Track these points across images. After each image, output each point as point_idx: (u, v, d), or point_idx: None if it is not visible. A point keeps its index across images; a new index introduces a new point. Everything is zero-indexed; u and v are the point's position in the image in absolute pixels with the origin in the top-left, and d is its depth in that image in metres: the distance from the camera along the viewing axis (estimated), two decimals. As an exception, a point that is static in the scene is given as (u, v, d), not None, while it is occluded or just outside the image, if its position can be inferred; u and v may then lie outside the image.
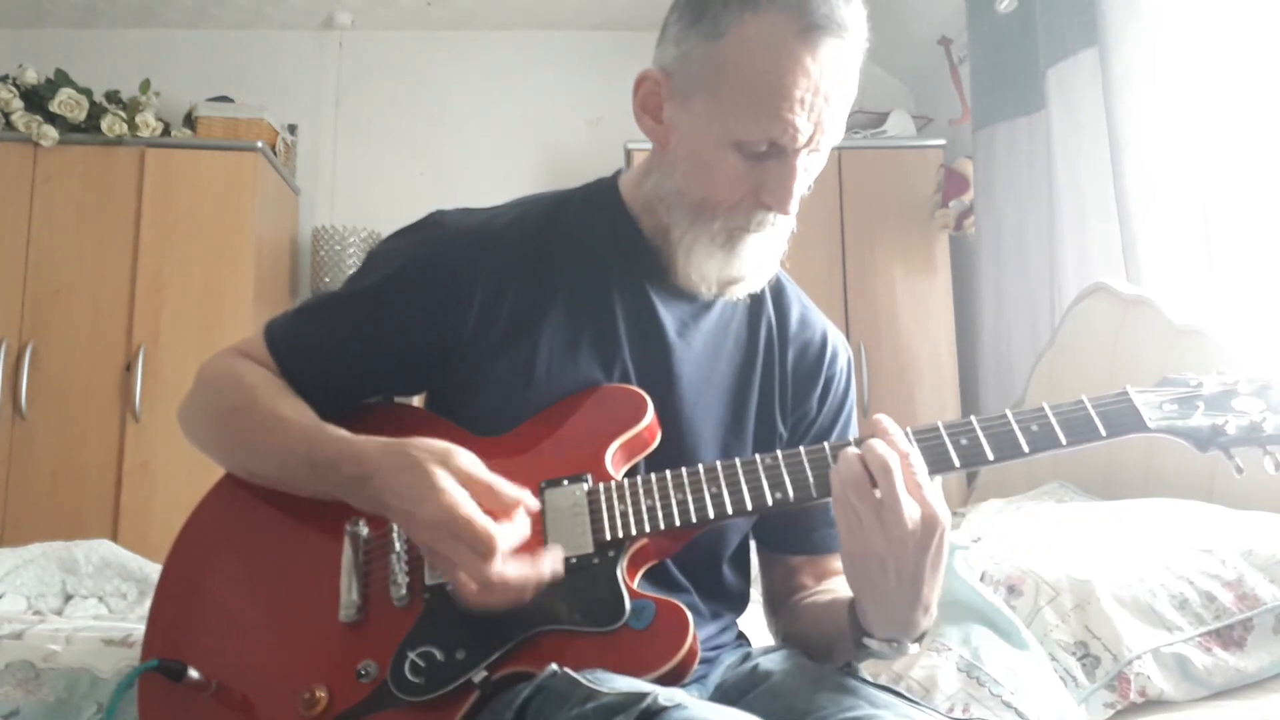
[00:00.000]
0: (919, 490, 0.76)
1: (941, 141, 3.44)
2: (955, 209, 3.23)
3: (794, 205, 0.89)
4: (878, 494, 0.76)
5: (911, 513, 0.75)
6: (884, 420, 0.80)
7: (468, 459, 0.81)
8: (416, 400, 1.05)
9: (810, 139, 0.86)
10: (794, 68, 0.83)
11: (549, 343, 0.93)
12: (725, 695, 0.89)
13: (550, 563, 0.79)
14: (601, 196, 1.01)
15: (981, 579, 1.30)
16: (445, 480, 0.78)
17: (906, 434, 0.82)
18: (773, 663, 0.91)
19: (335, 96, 3.83)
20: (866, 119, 3.46)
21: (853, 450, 0.79)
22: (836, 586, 1.01)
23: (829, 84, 0.85)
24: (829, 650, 0.92)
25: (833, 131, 0.88)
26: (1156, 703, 1.17)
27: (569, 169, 3.76)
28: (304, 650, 0.84)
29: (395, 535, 0.86)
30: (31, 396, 3.07)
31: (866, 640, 0.83)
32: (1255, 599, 1.23)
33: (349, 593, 0.85)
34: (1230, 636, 1.20)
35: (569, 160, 3.81)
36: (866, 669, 0.95)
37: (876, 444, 0.78)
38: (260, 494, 0.93)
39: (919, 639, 0.83)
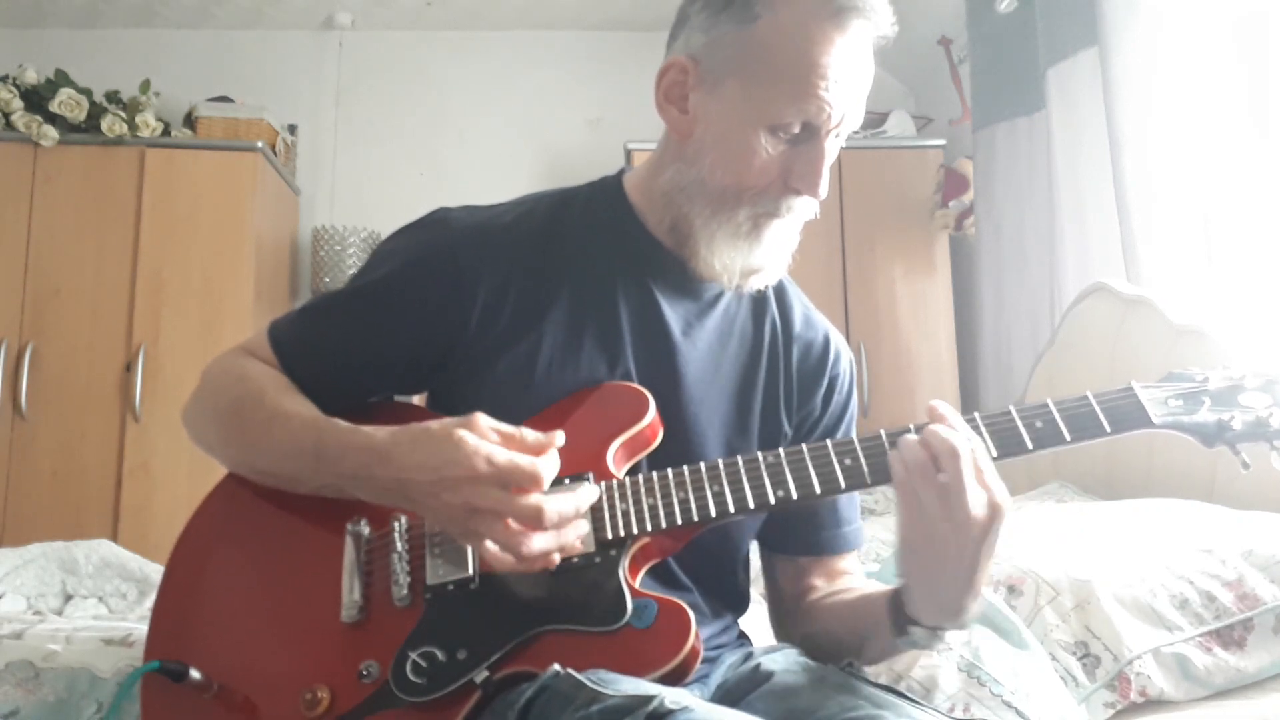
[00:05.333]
0: (982, 476, 0.76)
1: (941, 141, 3.44)
2: (955, 209, 3.23)
3: (824, 188, 0.90)
4: (942, 479, 0.76)
5: (977, 498, 0.75)
6: (942, 406, 0.80)
7: (487, 418, 0.79)
8: (418, 400, 1.05)
9: (844, 122, 0.89)
10: (827, 47, 0.85)
11: (551, 340, 0.93)
12: (727, 695, 0.89)
13: (586, 495, 0.80)
14: (606, 194, 1.01)
15: (982, 579, 1.29)
16: (471, 438, 0.76)
17: (974, 419, 0.82)
18: (774, 662, 0.91)
19: (335, 96, 3.83)
20: (866, 119, 3.42)
21: (913, 436, 0.79)
22: (852, 584, 1.01)
23: (856, 64, 0.88)
24: (861, 646, 0.92)
25: (855, 115, 0.90)
26: (1157, 703, 1.17)
27: (569, 169, 3.76)
28: (306, 651, 0.84)
29: (397, 535, 0.86)
30: (31, 396, 3.07)
31: (912, 629, 0.83)
32: (1255, 599, 1.23)
33: (350, 593, 0.84)
34: (1230, 636, 1.20)
35: (569, 160, 3.81)
36: (868, 669, 0.95)
37: (941, 429, 0.77)
38: (261, 495, 0.93)
39: (962, 626, 0.83)
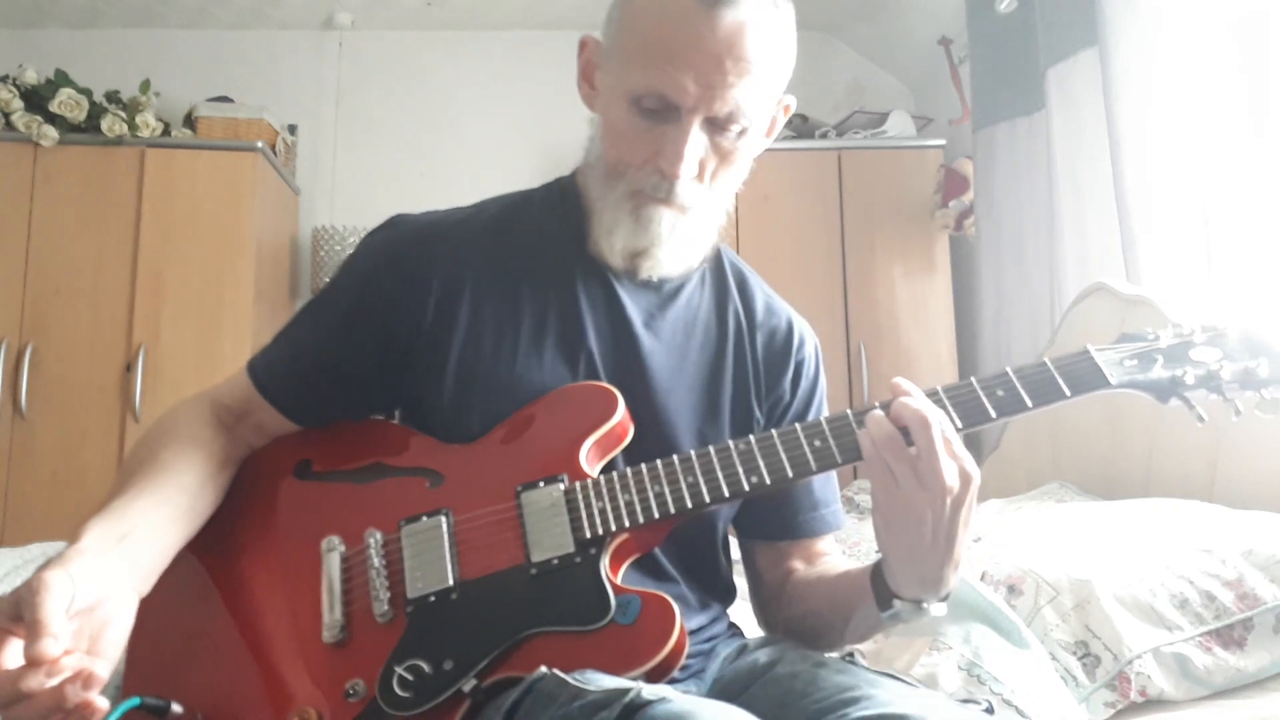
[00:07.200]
0: (950, 446, 0.77)
1: (941, 141, 3.44)
2: (955, 209, 3.23)
3: (685, 169, 0.87)
4: (913, 450, 0.76)
5: (949, 467, 0.76)
6: (904, 383, 0.81)
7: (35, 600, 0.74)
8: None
9: (707, 105, 0.85)
10: (681, 23, 0.84)
11: (513, 341, 0.93)
12: (724, 691, 0.88)
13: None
14: (561, 192, 1.03)
15: (982, 579, 1.30)
16: None
17: (937, 392, 0.82)
18: (770, 654, 0.90)
19: (335, 96, 3.83)
20: (866, 119, 3.45)
21: (879, 412, 0.79)
22: (833, 565, 1.01)
23: (728, 53, 0.84)
24: (846, 623, 0.92)
25: (741, 107, 0.86)
26: (1157, 702, 1.17)
27: (569, 169, 3.76)
28: (290, 674, 0.83)
29: (373, 550, 0.85)
30: (31, 396, 3.07)
31: (895, 602, 0.83)
32: (1255, 599, 1.23)
33: (331, 612, 0.83)
34: (1230, 636, 1.20)
35: (569, 160, 3.75)
36: (867, 660, 0.94)
37: (909, 402, 0.78)
38: (233, 519, 0.92)
39: (944, 598, 0.83)
